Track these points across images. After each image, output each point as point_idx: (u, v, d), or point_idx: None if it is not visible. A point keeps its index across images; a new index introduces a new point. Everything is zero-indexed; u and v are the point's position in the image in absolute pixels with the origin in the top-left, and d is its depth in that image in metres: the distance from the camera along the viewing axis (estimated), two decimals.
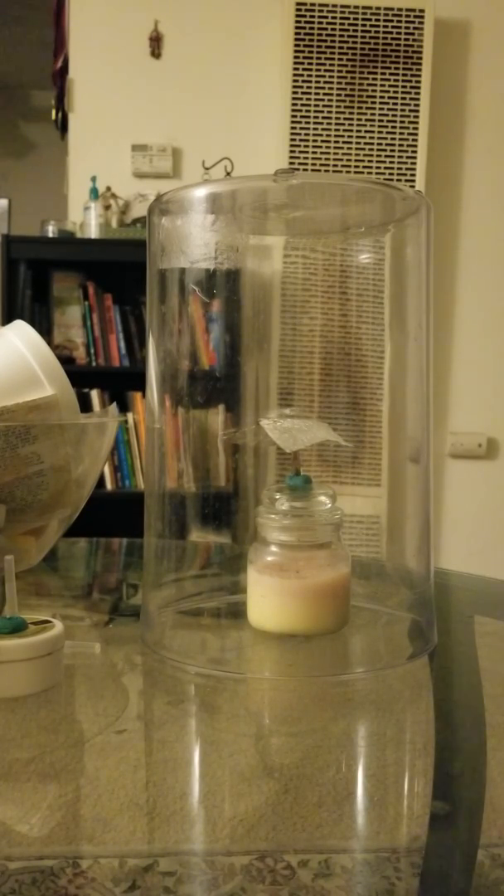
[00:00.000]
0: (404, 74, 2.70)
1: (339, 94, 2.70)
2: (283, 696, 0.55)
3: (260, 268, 0.77)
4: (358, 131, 2.71)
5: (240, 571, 0.69)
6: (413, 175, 2.73)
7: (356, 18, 2.67)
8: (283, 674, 0.59)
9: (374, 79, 2.70)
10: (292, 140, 2.71)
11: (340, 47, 2.68)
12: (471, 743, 0.48)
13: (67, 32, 2.87)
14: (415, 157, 2.73)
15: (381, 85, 2.70)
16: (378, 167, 2.73)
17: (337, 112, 2.70)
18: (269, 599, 0.63)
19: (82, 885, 0.33)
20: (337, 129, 2.71)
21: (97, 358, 2.77)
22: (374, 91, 2.70)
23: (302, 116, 2.71)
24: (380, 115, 2.71)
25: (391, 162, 2.73)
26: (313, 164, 2.73)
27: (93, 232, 2.80)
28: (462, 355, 2.98)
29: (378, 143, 2.72)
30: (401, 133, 2.72)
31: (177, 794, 0.41)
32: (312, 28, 2.67)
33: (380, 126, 2.71)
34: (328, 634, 0.63)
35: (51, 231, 2.82)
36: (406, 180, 2.72)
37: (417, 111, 2.71)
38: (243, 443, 0.68)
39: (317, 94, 2.70)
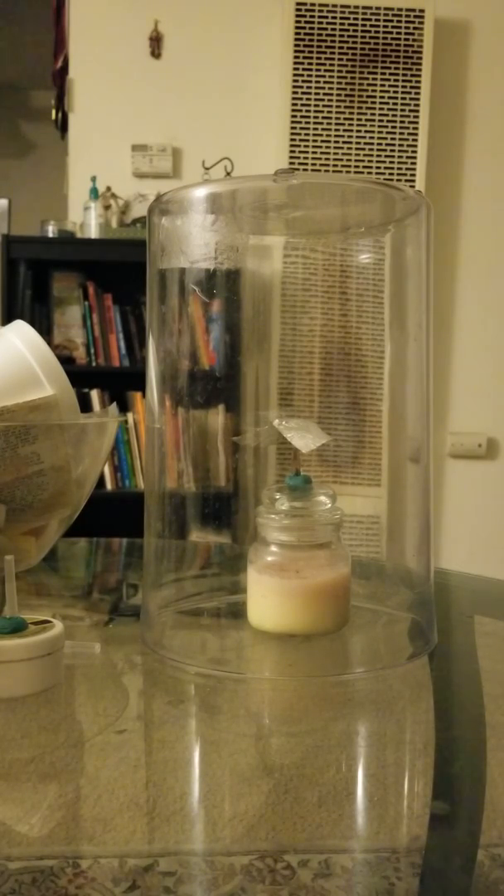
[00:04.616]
0: (404, 74, 2.69)
1: (339, 94, 2.70)
2: (283, 696, 0.55)
3: (260, 268, 0.77)
4: (358, 131, 2.71)
5: (240, 571, 0.69)
6: (413, 175, 2.72)
7: (356, 18, 2.67)
8: (283, 674, 0.59)
9: (374, 79, 2.70)
10: (292, 140, 2.71)
11: (340, 47, 2.68)
12: (471, 743, 0.48)
13: (67, 32, 2.87)
14: (415, 157, 2.72)
15: (381, 85, 2.70)
16: (378, 167, 2.73)
17: (337, 112, 2.70)
18: (269, 599, 0.63)
19: (82, 885, 0.33)
20: (337, 129, 2.71)
21: (97, 358, 2.77)
22: (374, 91, 2.70)
23: (302, 116, 2.71)
24: (380, 115, 2.71)
25: (391, 162, 2.73)
26: (313, 164, 2.73)
27: (93, 232, 2.79)
28: (462, 355, 2.98)
29: (378, 143, 2.72)
30: (401, 133, 2.72)
31: (177, 794, 0.41)
32: (312, 28, 2.67)
33: (380, 126, 2.71)
34: (328, 634, 0.63)
35: (51, 231, 2.82)
36: (406, 180, 2.72)
37: (417, 111, 2.71)
38: (255, 444, 0.68)
39: (317, 94, 2.70)
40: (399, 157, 2.73)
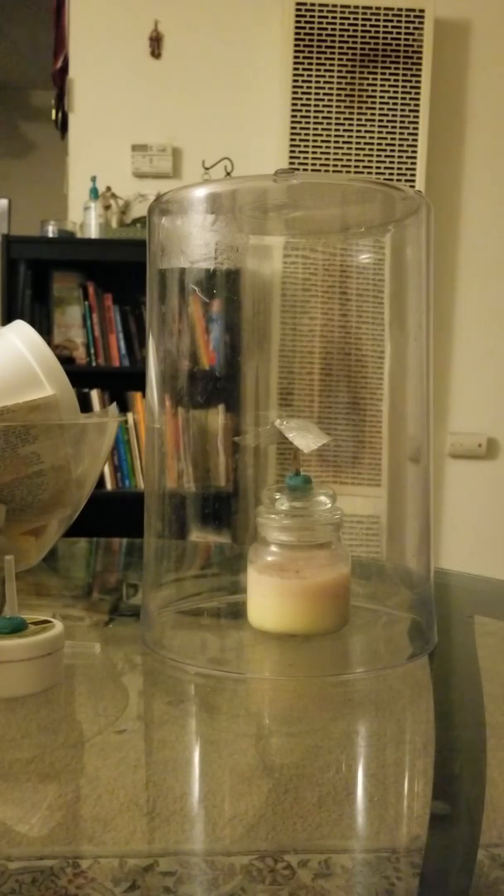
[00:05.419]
0: (404, 74, 2.69)
1: (339, 94, 2.70)
2: (283, 696, 0.55)
3: (260, 268, 0.77)
4: (358, 131, 2.71)
5: (240, 571, 0.69)
6: (413, 175, 2.72)
7: (356, 18, 2.67)
8: (283, 674, 0.59)
9: (374, 79, 2.70)
10: (292, 140, 2.71)
11: (340, 47, 2.68)
12: (471, 743, 0.48)
13: (67, 32, 2.87)
14: (415, 157, 2.72)
15: (381, 85, 2.70)
16: (378, 167, 2.73)
17: (337, 112, 2.70)
18: (269, 599, 0.63)
19: (82, 885, 0.33)
20: (337, 129, 2.71)
21: (97, 358, 2.77)
22: (374, 91, 2.70)
23: (302, 116, 2.71)
24: (380, 115, 2.71)
25: (391, 162, 2.73)
26: (313, 164, 2.73)
27: (93, 232, 2.79)
28: (462, 355, 2.98)
29: (378, 143, 2.72)
30: (401, 133, 2.72)
31: (177, 794, 0.41)
32: (312, 28, 2.67)
33: (380, 126, 2.71)
34: (328, 634, 0.63)
35: (51, 231, 2.82)
36: (406, 180, 2.72)
37: (417, 111, 2.71)
38: (255, 444, 0.68)
39: (317, 94, 2.70)
40: (399, 157, 2.73)
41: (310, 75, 2.69)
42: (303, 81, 2.69)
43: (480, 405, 2.99)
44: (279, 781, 0.42)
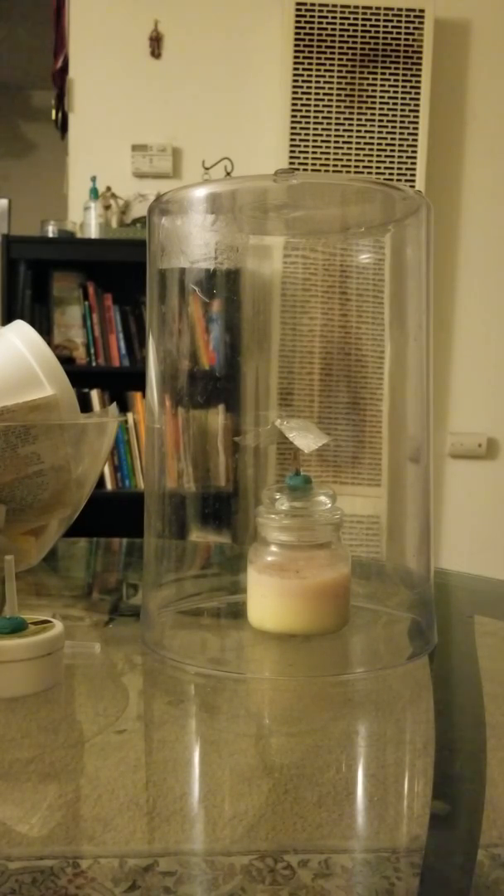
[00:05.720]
0: (404, 74, 2.69)
1: (339, 94, 2.70)
2: (283, 696, 0.55)
3: (260, 268, 0.77)
4: (358, 131, 2.71)
5: (240, 571, 0.69)
6: (413, 175, 2.72)
7: (356, 18, 2.67)
8: (283, 674, 0.59)
9: (374, 79, 2.70)
10: (292, 140, 2.71)
11: (340, 47, 2.68)
12: (471, 743, 0.48)
13: (67, 32, 2.87)
14: (415, 157, 2.72)
15: (381, 85, 2.70)
16: (378, 167, 2.73)
17: (337, 112, 2.70)
18: (269, 599, 0.63)
19: (82, 885, 0.33)
20: (337, 129, 2.71)
21: (97, 358, 2.77)
22: (374, 91, 2.70)
23: (302, 116, 2.71)
24: (380, 115, 2.71)
25: (391, 162, 2.73)
26: (313, 164, 2.73)
27: (93, 232, 2.79)
28: (462, 355, 2.98)
29: (378, 143, 2.72)
30: (401, 133, 2.72)
31: (177, 794, 0.41)
32: (312, 28, 2.67)
33: (380, 126, 2.71)
34: (328, 634, 0.63)
35: (51, 231, 2.82)
36: (406, 180, 2.72)
37: (417, 111, 2.71)
38: (255, 444, 0.68)
39: (317, 94, 2.70)
40: (399, 157, 2.73)
41: (310, 75, 2.69)
42: (303, 81, 2.69)
43: (480, 405, 2.99)
44: (279, 781, 0.42)
